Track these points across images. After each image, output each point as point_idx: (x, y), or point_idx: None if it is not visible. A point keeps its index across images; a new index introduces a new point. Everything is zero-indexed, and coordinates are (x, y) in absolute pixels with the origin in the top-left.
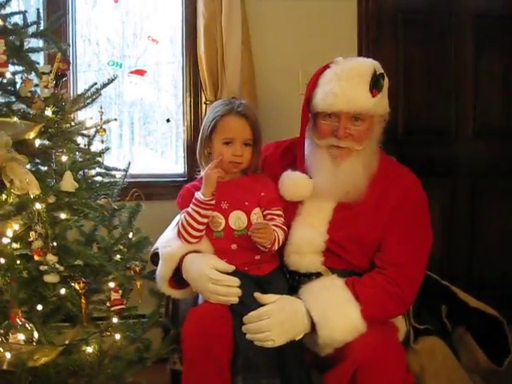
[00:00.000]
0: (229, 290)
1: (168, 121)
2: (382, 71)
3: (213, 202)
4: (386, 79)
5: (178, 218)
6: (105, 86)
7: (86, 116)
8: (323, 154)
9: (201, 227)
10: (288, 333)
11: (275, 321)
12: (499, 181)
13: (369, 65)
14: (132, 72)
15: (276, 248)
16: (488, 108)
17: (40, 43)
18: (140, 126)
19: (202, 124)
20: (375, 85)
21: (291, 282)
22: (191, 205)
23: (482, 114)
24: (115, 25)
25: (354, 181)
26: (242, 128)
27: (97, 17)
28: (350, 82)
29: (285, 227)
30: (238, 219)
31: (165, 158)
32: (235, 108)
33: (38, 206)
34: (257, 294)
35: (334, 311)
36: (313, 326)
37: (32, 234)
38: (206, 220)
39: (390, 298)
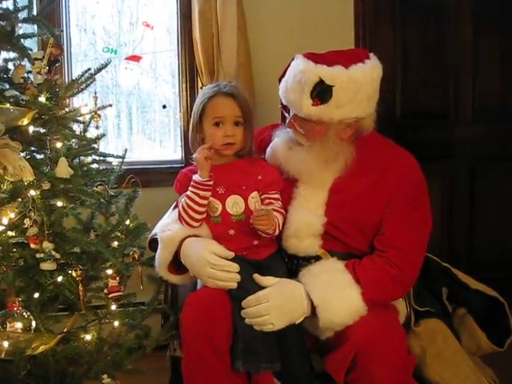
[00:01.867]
0: (228, 276)
1: (164, 107)
2: (333, 84)
3: (211, 182)
4: (344, 92)
5: (174, 204)
6: (99, 70)
7: (82, 103)
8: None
9: (201, 209)
10: (287, 316)
11: (274, 304)
12: (498, 164)
13: (315, 73)
14: (127, 58)
15: (277, 233)
16: (487, 91)
17: (33, 29)
18: (138, 116)
19: (193, 111)
20: (318, 95)
21: (290, 265)
22: (190, 187)
23: (481, 97)
24: (111, 13)
25: (302, 168)
26: (230, 107)
27: (92, 6)
28: (293, 85)
29: (283, 211)
30: (235, 204)
31: (164, 148)
32: (221, 89)
33: (32, 192)
34: (256, 276)
35: (334, 294)
36: (313, 309)
37: (26, 221)
38: (205, 202)
39: (390, 281)
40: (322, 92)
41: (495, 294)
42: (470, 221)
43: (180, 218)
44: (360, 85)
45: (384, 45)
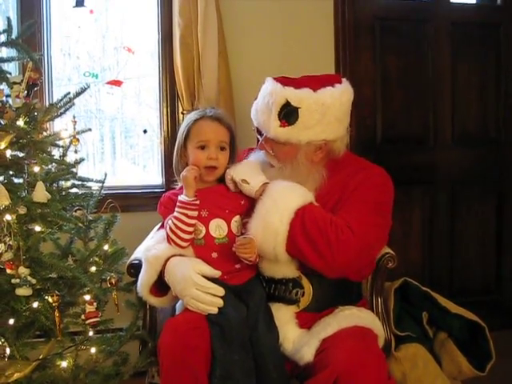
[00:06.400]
0: (211, 299)
1: (145, 132)
2: (299, 106)
3: (197, 201)
4: (310, 114)
5: (156, 227)
6: (78, 94)
7: (61, 127)
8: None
9: (190, 229)
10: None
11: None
12: (478, 187)
13: (282, 94)
14: (109, 82)
15: (258, 260)
16: (466, 115)
17: (14, 53)
18: (121, 141)
19: (178, 135)
20: (285, 116)
21: (268, 289)
22: (177, 208)
23: (459, 122)
24: (95, 38)
25: None
26: (215, 130)
27: (77, 31)
28: (262, 107)
29: None
30: (218, 227)
31: (147, 173)
32: (207, 113)
33: (7, 217)
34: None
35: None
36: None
37: (1, 246)
38: (193, 221)
39: (328, 223)
40: (288, 113)
41: (475, 318)
42: (450, 245)
43: (168, 239)
44: (327, 107)
45: (364, 70)
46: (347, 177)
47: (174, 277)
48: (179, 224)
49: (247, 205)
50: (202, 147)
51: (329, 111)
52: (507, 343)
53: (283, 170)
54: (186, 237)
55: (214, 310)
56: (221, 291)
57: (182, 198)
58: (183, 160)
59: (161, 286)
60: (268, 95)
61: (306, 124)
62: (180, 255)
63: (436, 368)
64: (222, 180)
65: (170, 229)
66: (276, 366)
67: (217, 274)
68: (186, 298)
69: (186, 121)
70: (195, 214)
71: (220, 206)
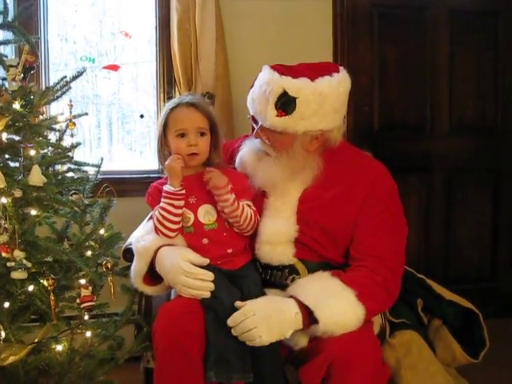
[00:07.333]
0: (202, 284)
1: (142, 116)
2: (296, 96)
3: (183, 191)
4: (308, 104)
5: (147, 218)
6: (74, 78)
7: (58, 111)
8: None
9: (177, 219)
10: (276, 328)
11: (261, 316)
12: (474, 176)
13: (280, 84)
14: (106, 67)
15: (248, 228)
16: (463, 104)
17: (11, 36)
18: (118, 126)
19: (157, 125)
20: (282, 106)
21: (264, 275)
22: (163, 199)
23: (457, 110)
24: (92, 23)
25: (268, 180)
26: (191, 117)
27: (74, 15)
28: (259, 96)
29: (258, 216)
30: (207, 213)
31: (144, 158)
32: (183, 101)
33: (3, 200)
34: (237, 303)
35: (328, 296)
36: (308, 321)
37: None
38: (180, 211)
39: (377, 287)
40: (285, 103)
41: (470, 305)
42: (446, 232)
43: (156, 230)
44: (325, 98)
45: (362, 58)
46: (347, 171)
47: (163, 267)
48: (166, 214)
49: (236, 188)
50: (182, 135)
51: (326, 101)
52: (501, 331)
53: (279, 160)
54: (174, 227)
55: (207, 294)
56: (210, 275)
57: (168, 188)
58: (165, 149)
59: (154, 275)
60: (265, 84)
61: (304, 114)
62: (170, 245)
63: (430, 354)
64: (208, 165)
65: (157, 220)
66: (271, 352)
67: (205, 261)
68: (177, 286)
69: (163, 110)
70: (181, 203)
71: (208, 191)
